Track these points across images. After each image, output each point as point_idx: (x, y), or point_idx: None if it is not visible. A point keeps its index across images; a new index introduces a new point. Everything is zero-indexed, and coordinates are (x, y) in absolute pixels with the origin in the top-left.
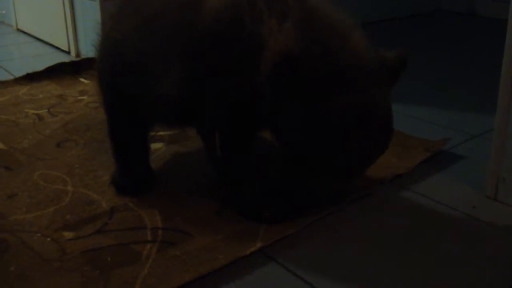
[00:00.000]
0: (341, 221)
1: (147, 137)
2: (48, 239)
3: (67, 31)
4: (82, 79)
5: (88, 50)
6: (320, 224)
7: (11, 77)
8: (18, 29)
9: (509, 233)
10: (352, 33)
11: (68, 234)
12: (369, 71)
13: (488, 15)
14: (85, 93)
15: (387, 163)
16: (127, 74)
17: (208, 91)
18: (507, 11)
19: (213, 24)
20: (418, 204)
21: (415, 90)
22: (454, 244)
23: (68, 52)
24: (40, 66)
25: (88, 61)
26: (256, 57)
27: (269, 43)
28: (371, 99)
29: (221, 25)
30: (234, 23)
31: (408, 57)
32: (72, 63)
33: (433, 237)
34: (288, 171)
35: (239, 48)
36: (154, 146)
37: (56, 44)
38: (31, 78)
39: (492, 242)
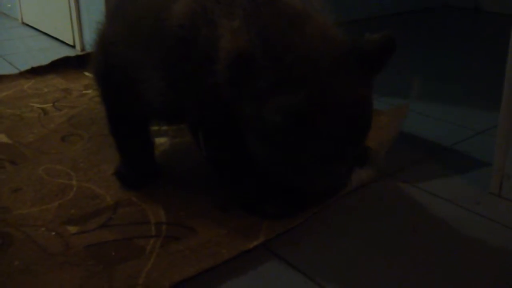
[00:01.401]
0: (344, 215)
1: (148, 131)
2: (53, 233)
3: (72, 25)
4: (87, 73)
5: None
6: (322, 218)
7: (16, 71)
8: (23, 23)
9: None
10: (308, 21)
11: (72, 229)
12: (327, 60)
13: (493, 10)
14: (90, 87)
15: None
16: (118, 75)
17: (182, 96)
18: (511, 6)
19: (178, 30)
20: (421, 199)
21: (417, 85)
22: (457, 240)
23: (73, 46)
24: (45, 60)
25: None
26: (212, 60)
27: (221, 44)
28: (325, 93)
29: (183, 31)
30: (192, 28)
31: (393, 39)
32: (77, 57)
33: (435, 233)
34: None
35: (198, 52)
36: (159, 140)
37: (61, 38)
38: (36, 72)
39: (496, 239)
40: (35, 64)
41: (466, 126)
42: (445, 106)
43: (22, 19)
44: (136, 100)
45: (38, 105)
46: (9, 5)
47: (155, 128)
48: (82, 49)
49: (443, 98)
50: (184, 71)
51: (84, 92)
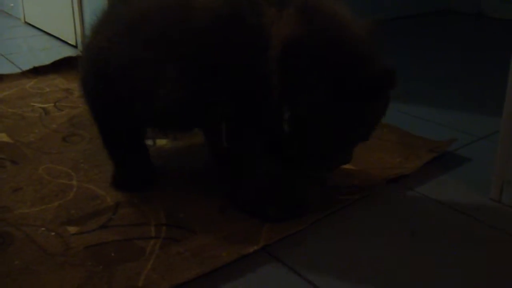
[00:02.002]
0: (344, 221)
1: (142, 137)
2: (53, 233)
3: (74, 25)
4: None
5: None
6: (323, 223)
7: (18, 70)
8: (25, 22)
9: None
10: (351, 24)
11: (72, 229)
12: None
13: (495, 16)
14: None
15: (391, 162)
16: (118, 79)
17: (212, 88)
18: None
19: (210, 22)
20: (421, 205)
21: (421, 90)
22: (457, 246)
23: (75, 46)
24: (47, 60)
25: None
26: (260, 48)
27: (272, 31)
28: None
29: (219, 23)
30: (233, 19)
31: (394, 75)
32: (78, 57)
33: (436, 239)
34: (289, 165)
35: (242, 42)
36: (159, 142)
37: (63, 38)
38: (37, 71)
39: (496, 245)
40: (37, 63)
41: (468, 132)
42: (446, 111)
43: (24, 18)
44: (136, 108)
45: (40, 105)
46: (11, 5)
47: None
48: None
49: (444, 103)
50: (218, 63)
51: None
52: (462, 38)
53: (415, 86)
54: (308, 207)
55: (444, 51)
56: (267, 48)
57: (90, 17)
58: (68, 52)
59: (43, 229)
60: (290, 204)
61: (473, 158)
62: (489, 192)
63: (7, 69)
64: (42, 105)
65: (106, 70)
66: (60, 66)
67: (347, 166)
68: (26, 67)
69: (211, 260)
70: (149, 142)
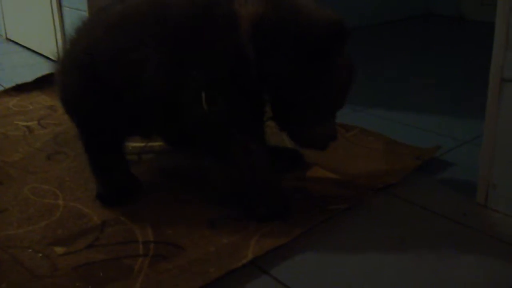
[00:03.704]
0: (332, 231)
1: (123, 147)
2: (40, 254)
3: (56, 41)
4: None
5: None
6: (311, 234)
7: (1, 88)
8: (7, 39)
9: (500, 240)
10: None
11: (59, 250)
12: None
13: (476, 18)
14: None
15: (378, 170)
16: (105, 71)
17: (192, 70)
18: (495, 14)
19: (190, 8)
20: (408, 212)
21: (403, 95)
22: (445, 252)
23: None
24: (30, 76)
25: None
26: (234, 26)
27: (242, 13)
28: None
29: (197, 10)
30: (211, 5)
31: (341, 24)
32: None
33: (424, 245)
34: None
35: (220, 23)
36: (145, 157)
37: (46, 54)
38: (20, 89)
39: (483, 249)
40: (20, 80)
41: (452, 136)
42: (430, 116)
43: (6, 35)
44: (124, 99)
45: (23, 123)
46: None
47: (141, 144)
48: (58, 61)
49: (427, 108)
50: (201, 43)
51: None
52: (444, 42)
53: (398, 91)
54: (291, 209)
55: (426, 56)
56: (238, 26)
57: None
58: (50, 68)
59: (30, 250)
60: (278, 204)
61: (458, 162)
62: (476, 196)
63: None
64: (26, 123)
65: (93, 70)
66: (43, 83)
67: (333, 176)
68: (9, 84)
69: (200, 276)
70: (134, 157)
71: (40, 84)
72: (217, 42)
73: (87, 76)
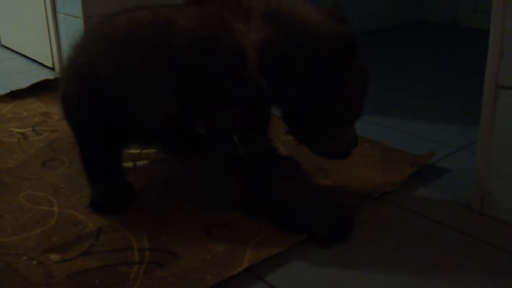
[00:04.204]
0: None
1: (120, 155)
2: (35, 262)
3: (51, 47)
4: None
5: None
6: (307, 241)
7: None
8: (1, 45)
9: (495, 247)
10: (308, 14)
11: (54, 257)
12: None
13: (469, 26)
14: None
15: (372, 177)
16: (105, 85)
17: (197, 103)
18: (488, 21)
19: (191, 43)
20: (404, 218)
21: (398, 102)
22: (440, 258)
23: (52, 68)
24: (24, 83)
25: None
26: (240, 57)
27: (246, 43)
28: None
29: (198, 44)
30: (212, 38)
31: (350, 36)
32: (56, 80)
33: (420, 252)
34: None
35: (227, 58)
36: (140, 164)
37: (40, 60)
38: (15, 95)
39: (478, 256)
40: (14, 87)
41: (447, 143)
42: (425, 123)
43: (0, 41)
44: (125, 112)
45: (18, 130)
46: None
47: (136, 151)
48: (62, 68)
49: (423, 115)
50: (207, 76)
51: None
52: (438, 49)
53: (392, 98)
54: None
55: (420, 63)
56: (245, 58)
57: (67, 39)
58: (45, 74)
59: (24, 257)
60: (341, 224)
61: (453, 169)
62: (470, 203)
63: None
64: (20, 130)
65: (94, 82)
66: (37, 90)
67: (328, 182)
68: (3, 91)
69: (195, 283)
70: (129, 164)
71: (35, 90)
72: (228, 81)
73: (88, 86)
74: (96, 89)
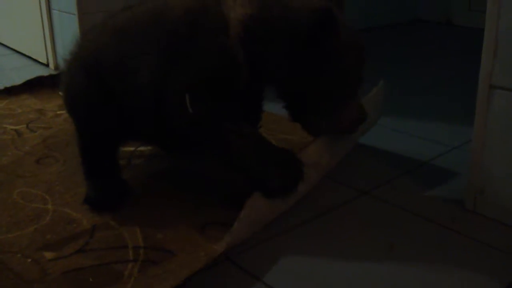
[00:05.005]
0: (321, 237)
1: (118, 152)
2: (29, 259)
3: (45, 44)
4: (61, 93)
5: None
6: (297, 235)
7: None
8: None
9: (488, 246)
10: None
11: (49, 254)
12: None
13: (464, 24)
14: (64, 107)
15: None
16: (108, 75)
17: (185, 72)
18: (483, 20)
19: (184, 14)
20: (397, 217)
21: (391, 101)
22: (433, 257)
23: (47, 65)
24: (18, 79)
25: None
26: (224, 28)
27: (231, 15)
28: None
29: (189, 15)
30: (200, 10)
31: (329, 12)
32: (50, 76)
33: (412, 250)
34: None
35: (211, 25)
36: (135, 161)
37: (34, 57)
38: (9, 92)
39: (471, 255)
40: (9, 83)
41: (441, 142)
42: (419, 121)
43: None
44: (123, 114)
45: (12, 127)
46: None
47: (131, 149)
48: (56, 68)
49: (417, 114)
50: (194, 46)
51: (58, 112)
52: (432, 47)
53: (387, 97)
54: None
55: (415, 61)
56: (227, 29)
57: (61, 36)
58: (39, 71)
59: (19, 255)
60: (291, 176)
61: (447, 168)
62: (464, 202)
63: None
64: (14, 127)
65: (98, 73)
66: (32, 86)
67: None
68: None
69: (188, 279)
70: (124, 161)
71: (29, 87)
72: (204, 46)
73: (92, 79)
74: (100, 80)
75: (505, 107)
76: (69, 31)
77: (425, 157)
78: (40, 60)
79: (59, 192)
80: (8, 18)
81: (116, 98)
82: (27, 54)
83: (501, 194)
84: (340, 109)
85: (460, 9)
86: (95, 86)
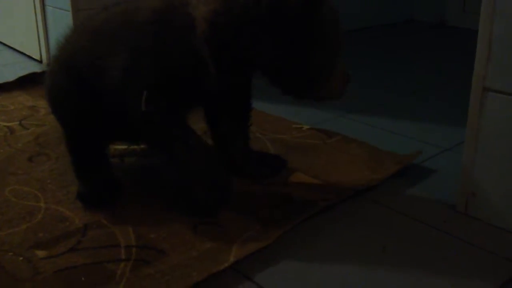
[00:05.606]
0: (313, 236)
1: (106, 149)
2: (20, 258)
3: (39, 40)
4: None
5: None
6: (291, 238)
7: None
8: None
9: (480, 248)
10: None
11: (40, 253)
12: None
13: (458, 25)
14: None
15: (359, 175)
16: (86, 76)
17: (153, 70)
18: (477, 21)
19: (152, 14)
20: (389, 218)
21: (385, 101)
22: (425, 259)
23: (40, 61)
24: (11, 76)
25: None
26: (189, 27)
27: (196, 14)
28: None
29: (156, 15)
30: (166, 11)
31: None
32: (43, 73)
33: (405, 252)
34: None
35: (176, 24)
36: (128, 160)
37: (27, 53)
38: (1, 88)
39: (463, 257)
40: (1, 80)
41: (434, 143)
42: (412, 122)
43: None
44: (102, 114)
45: (4, 124)
46: None
47: (123, 147)
48: (49, 64)
49: (410, 115)
50: (160, 45)
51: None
52: (425, 48)
53: (379, 97)
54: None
55: (408, 62)
56: (194, 29)
57: (55, 32)
58: (33, 67)
59: (10, 253)
60: (217, 190)
61: (439, 170)
62: (456, 204)
63: None
64: (7, 124)
65: (78, 74)
66: (25, 83)
67: (315, 181)
68: None
69: (182, 280)
70: (116, 160)
71: (22, 83)
72: (168, 45)
73: (73, 79)
74: (80, 81)
75: (498, 110)
76: (63, 27)
77: (417, 159)
78: (34, 57)
79: (51, 190)
80: (2, 14)
81: (96, 97)
82: (20, 50)
83: (493, 197)
84: (331, 77)
85: (454, 10)
86: (76, 86)
